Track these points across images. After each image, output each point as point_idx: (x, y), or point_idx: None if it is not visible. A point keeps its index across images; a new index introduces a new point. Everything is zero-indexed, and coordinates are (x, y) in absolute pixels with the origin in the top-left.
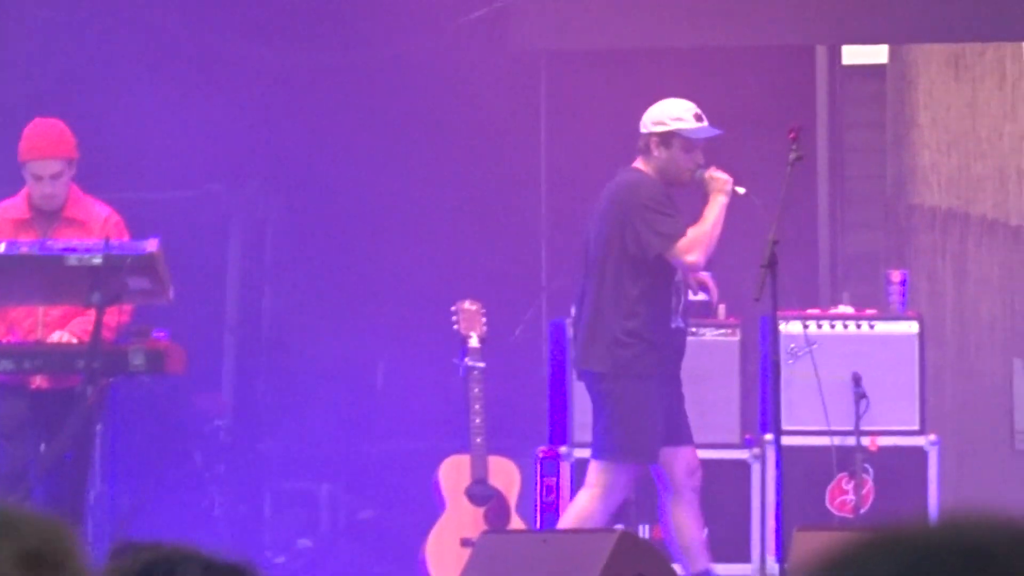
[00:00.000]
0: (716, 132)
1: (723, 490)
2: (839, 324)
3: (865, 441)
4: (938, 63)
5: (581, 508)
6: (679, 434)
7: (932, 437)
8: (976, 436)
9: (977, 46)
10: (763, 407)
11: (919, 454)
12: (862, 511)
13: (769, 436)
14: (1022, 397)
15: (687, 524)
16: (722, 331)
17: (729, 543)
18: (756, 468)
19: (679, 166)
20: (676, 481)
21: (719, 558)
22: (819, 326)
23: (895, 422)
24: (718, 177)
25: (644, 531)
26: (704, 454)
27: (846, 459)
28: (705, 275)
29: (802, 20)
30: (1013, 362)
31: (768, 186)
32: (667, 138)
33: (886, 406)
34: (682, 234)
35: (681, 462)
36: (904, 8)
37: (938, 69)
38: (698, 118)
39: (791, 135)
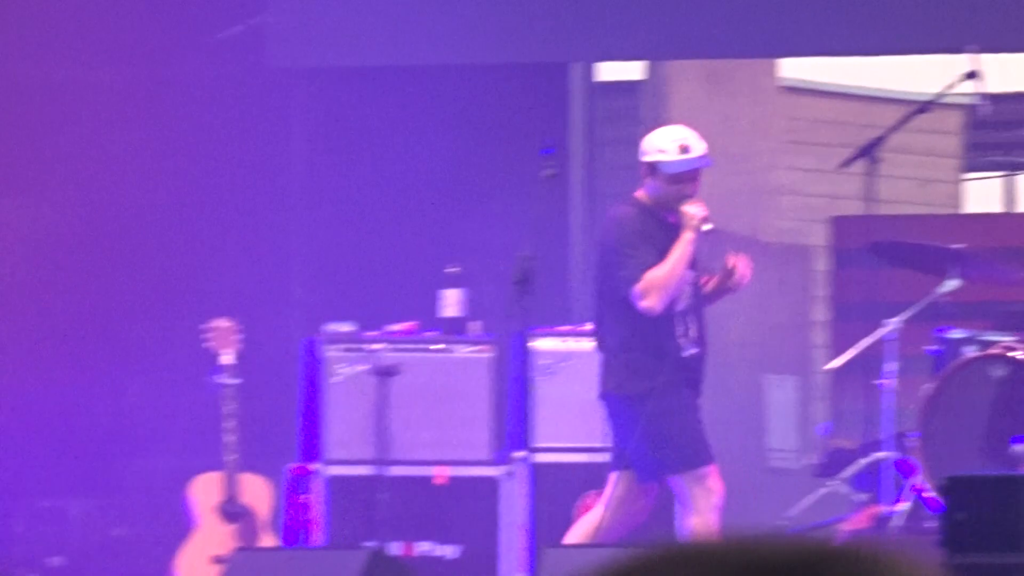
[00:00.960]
0: (699, 163)
1: (473, 507)
2: (588, 341)
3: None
4: (692, 79)
5: (687, 531)
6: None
7: None
8: (728, 454)
9: (731, 62)
10: (513, 424)
11: None
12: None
13: (520, 453)
14: (774, 415)
15: None
16: (475, 348)
17: (478, 561)
18: (506, 485)
19: (667, 196)
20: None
21: None
22: (572, 343)
23: None
24: (688, 212)
25: (396, 548)
26: (454, 471)
27: (597, 476)
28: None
29: (557, 37)
30: (764, 379)
31: (521, 202)
32: (652, 168)
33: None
34: (638, 279)
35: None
36: (658, 25)
37: (692, 85)
38: (683, 149)
39: (544, 151)
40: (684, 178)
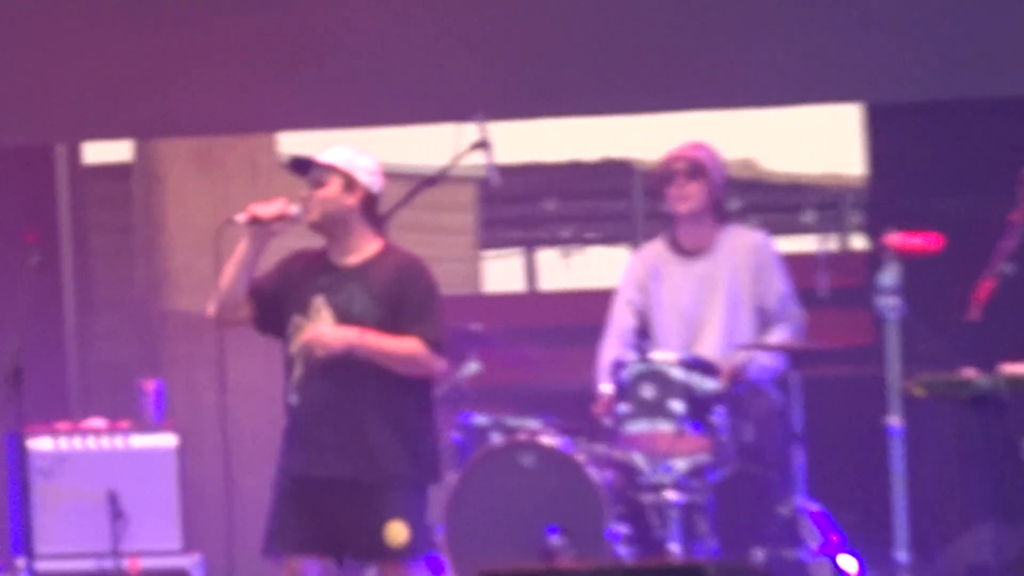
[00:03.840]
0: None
1: None
2: (91, 438)
3: (125, 563)
4: (185, 159)
5: None
6: None
7: (197, 557)
8: (246, 553)
9: (227, 140)
10: (14, 530)
11: (183, 575)
12: None
13: (20, 561)
14: None
15: None
16: None
17: None
18: None
19: None
20: None
21: None
22: (70, 440)
23: (156, 541)
24: None
25: None
26: None
27: None
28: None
29: (39, 119)
30: None
31: (9, 293)
32: None
33: (146, 525)
34: None
35: None
36: (146, 101)
37: (184, 165)
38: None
39: (30, 239)
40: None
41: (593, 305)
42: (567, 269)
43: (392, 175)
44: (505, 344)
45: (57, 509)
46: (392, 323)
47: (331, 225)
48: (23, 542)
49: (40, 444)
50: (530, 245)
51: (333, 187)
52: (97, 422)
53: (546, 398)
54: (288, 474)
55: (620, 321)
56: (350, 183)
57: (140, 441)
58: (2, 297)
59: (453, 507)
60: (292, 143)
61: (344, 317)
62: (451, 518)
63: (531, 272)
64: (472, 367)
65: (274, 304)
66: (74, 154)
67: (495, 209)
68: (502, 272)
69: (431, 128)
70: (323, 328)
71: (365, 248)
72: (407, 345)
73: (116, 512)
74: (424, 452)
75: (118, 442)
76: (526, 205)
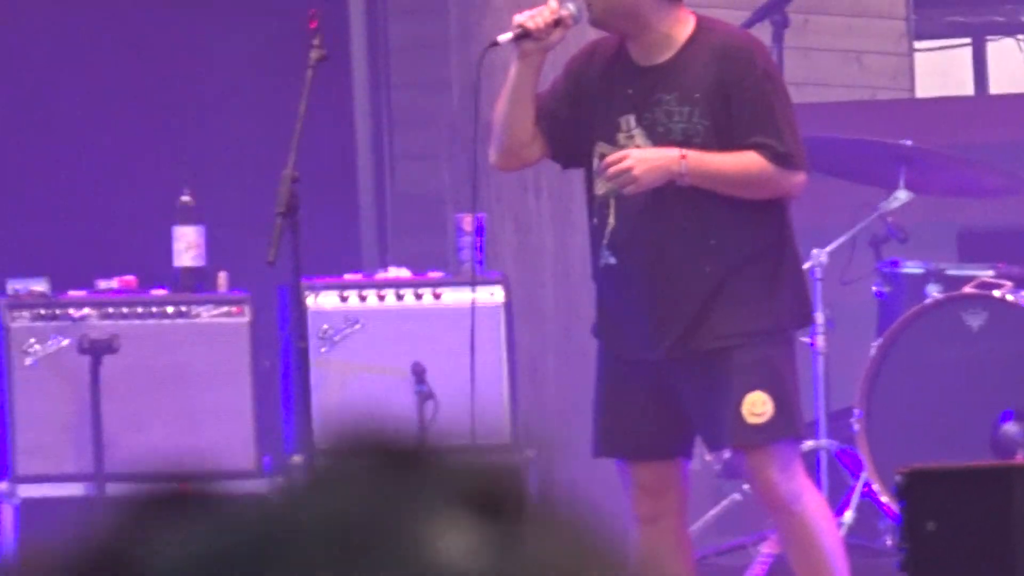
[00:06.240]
0: None
1: None
2: (391, 294)
3: None
4: None
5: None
6: None
7: (530, 453)
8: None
9: None
10: (287, 416)
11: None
12: None
13: (299, 458)
14: None
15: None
16: (223, 310)
17: None
18: None
19: None
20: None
21: None
22: (363, 298)
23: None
24: None
25: None
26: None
27: None
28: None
29: None
30: None
31: (283, 100)
32: None
33: (463, 408)
34: None
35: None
36: None
37: None
38: None
39: (312, 23)
40: None
41: None
42: None
43: None
44: (945, 166)
45: (347, 387)
46: (723, 133)
47: (622, 17)
48: (302, 431)
49: (324, 301)
50: (979, 32)
51: None
52: (399, 272)
53: (1001, 238)
54: (615, 353)
55: None
56: None
57: (455, 296)
58: (275, 108)
59: (873, 383)
60: None
61: (664, 139)
62: (870, 398)
63: (980, 69)
64: (900, 197)
65: (572, 130)
66: None
67: None
68: (943, 68)
69: None
70: (632, 154)
71: (676, 33)
72: (747, 161)
73: (423, 392)
74: (785, 295)
75: (427, 298)
76: None
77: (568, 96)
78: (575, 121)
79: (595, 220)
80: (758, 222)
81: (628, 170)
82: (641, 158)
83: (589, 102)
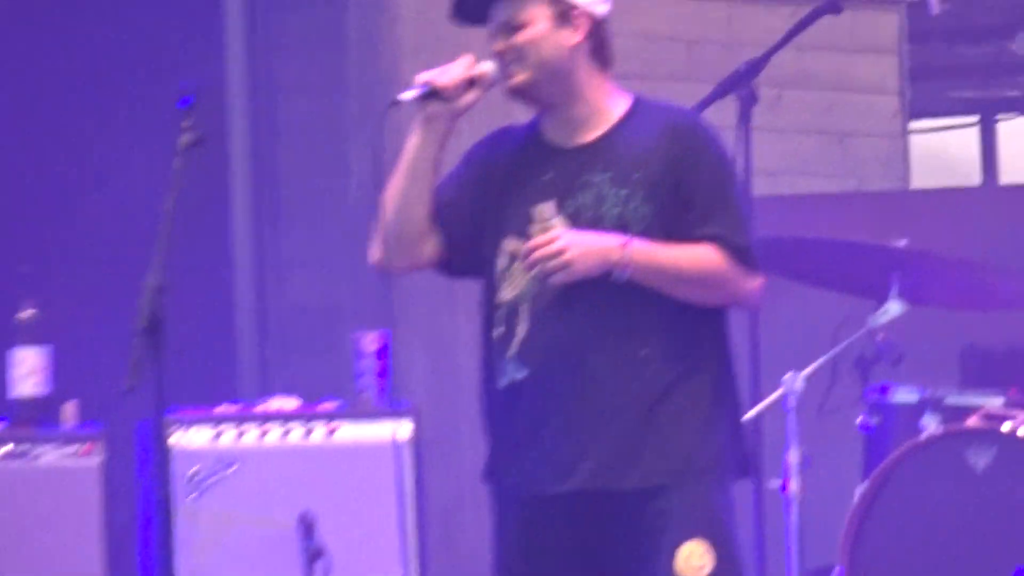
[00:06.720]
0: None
1: None
2: (275, 429)
3: None
4: None
5: None
6: None
7: None
8: None
9: None
10: (144, 571)
11: None
12: None
13: None
14: None
15: None
16: (70, 449)
17: None
18: None
19: None
20: None
21: None
22: (240, 434)
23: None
24: None
25: None
26: None
27: None
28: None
29: None
30: None
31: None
32: None
33: (361, 561)
34: None
35: None
36: None
37: None
38: None
39: (183, 101)
40: None
41: None
42: None
43: None
44: (946, 271)
45: (218, 540)
46: (669, 223)
47: (555, 82)
48: None
49: (191, 439)
50: (989, 110)
51: (540, 23)
52: (285, 402)
53: (1012, 359)
54: (517, 492)
55: None
56: (563, 11)
57: (352, 432)
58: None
59: (857, 536)
60: None
61: (591, 228)
62: (853, 554)
63: (989, 152)
64: (892, 309)
65: (472, 226)
66: None
67: (931, 51)
68: (943, 152)
69: None
70: (563, 235)
71: (607, 110)
72: (702, 255)
73: (312, 549)
74: (722, 426)
75: (316, 434)
76: (987, 45)
77: (469, 184)
78: (479, 213)
79: (500, 329)
80: (695, 333)
81: (559, 253)
82: (575, 241)
83: (495, 192)
